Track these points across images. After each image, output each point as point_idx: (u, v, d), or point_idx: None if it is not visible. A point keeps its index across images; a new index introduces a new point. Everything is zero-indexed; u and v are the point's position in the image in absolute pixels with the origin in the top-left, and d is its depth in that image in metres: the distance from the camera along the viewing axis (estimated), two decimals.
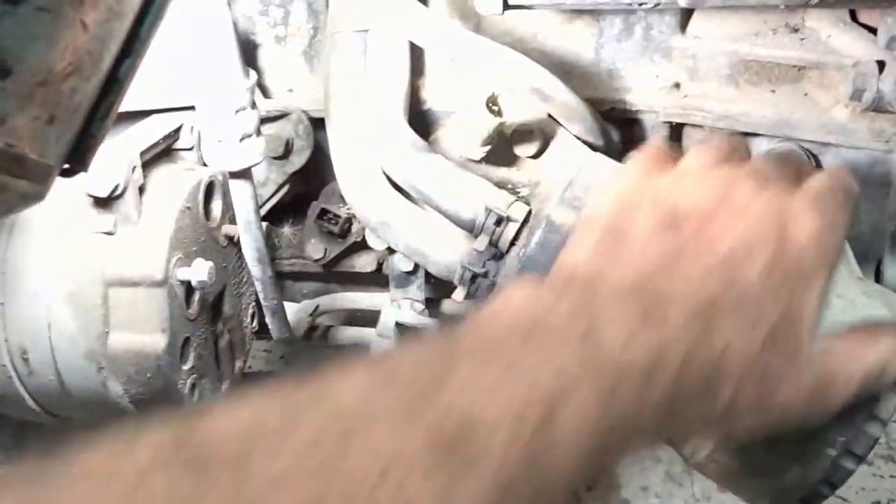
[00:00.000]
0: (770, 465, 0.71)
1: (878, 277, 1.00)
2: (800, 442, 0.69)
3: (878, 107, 0.87)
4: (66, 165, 0.53)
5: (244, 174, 0.90)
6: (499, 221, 0.84)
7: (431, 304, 1.12)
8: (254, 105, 0.87)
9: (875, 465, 2.16)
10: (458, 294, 0.90)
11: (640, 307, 0.51)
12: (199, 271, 0.90)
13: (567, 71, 1.01)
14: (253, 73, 0.88)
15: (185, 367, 0.95)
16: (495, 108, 0.88)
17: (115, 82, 0.53)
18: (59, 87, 0.47)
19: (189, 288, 0.94)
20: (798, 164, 0.68)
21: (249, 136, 0.86)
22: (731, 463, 0.73)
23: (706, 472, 0.77)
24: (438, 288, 1.10)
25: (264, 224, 0.97)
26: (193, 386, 0.96)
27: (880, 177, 0.93)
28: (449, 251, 0.91)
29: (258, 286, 1.00)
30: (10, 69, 0.42)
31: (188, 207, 0.93)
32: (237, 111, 0.85)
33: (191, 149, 1.01)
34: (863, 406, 0.68)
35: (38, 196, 0.51)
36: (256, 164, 0.89)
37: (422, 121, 1.01)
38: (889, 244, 0.98)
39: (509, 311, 0.51)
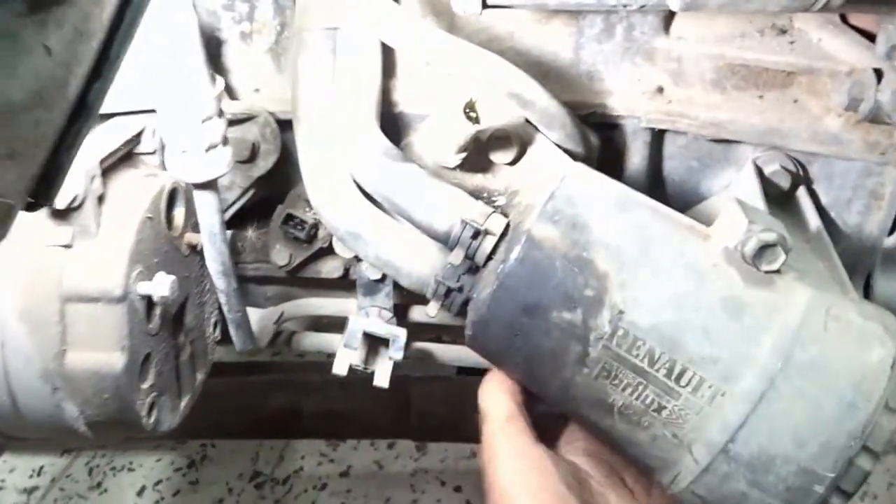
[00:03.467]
0: (752, 502, 0.67)
1: (867, 292, 0.97)
2: (783, 476, 0.66)
3: (874, 118, 0.84)
4: (31, 200, 0.49)
5: (209, 185, 0.85)
6: (475, 235, 0.80)
7: (399, 311, 1.08)
8: (221, 113, 0.82)
9: None
10: (432, 308, 0.86)
11: None
12: (161, 286, 0.86)
13: (544, 72, 0.97)
14: (220, 79, 0.83)
15: (144, 386, 0.90)
16: (473, 114, 0.84)
17: (83, 108, 0.48)
18: (19, 119, 0.43)
19: (150, 302, 0.89)
20: None
21: (216, 146, 0.81)
22: (711, 497, 0.70)
23: (687, 502, 0.74)
24: (406, 294, 1.06)
25: (229, 232, 0.92)
26: (152, 405, 0.92)
27: (872, 189, 0.91)
28: (422, 264, 0.86)
29: (222, 298, 0.95)
30: None
31: (149, 217, 0.88)
32: (203, 120, 0.80)
33: (153, 153, 0.96)
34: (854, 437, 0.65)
35: (2, 234, 0.47)
36: (223, 175, 0.84)
37: (394, 124, 0.97)
38: (880, 258, 0.95)
39: None
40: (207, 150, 0.81)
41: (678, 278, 0.71)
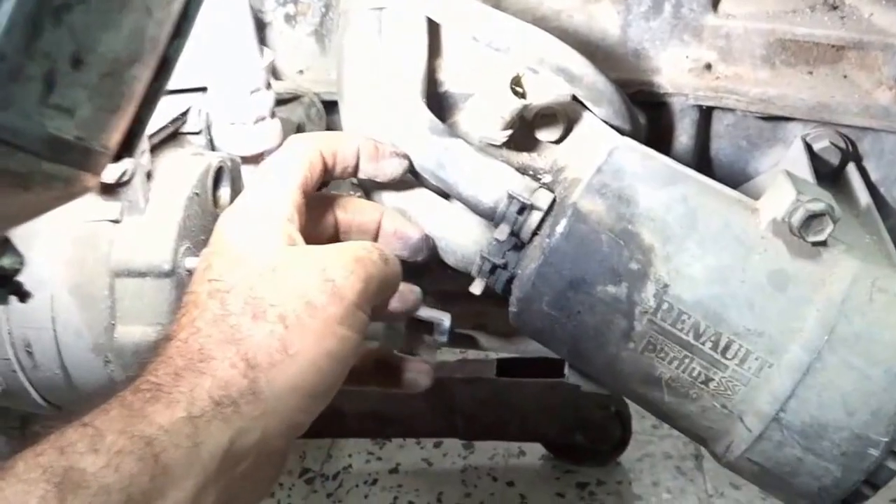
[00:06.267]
0: (808, 466, 0.67)
1: None
2: (837, 442, 0.65)
3: None
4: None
5: (257, 159, 0.85)
6: (521, 209, 0.80)
7: (447, 297, 1.08)
8: (269, 86, 0.82)
9: None
10: (476, 286, 0.86)
11: None
12: None
13: (592, 51, 0.96)
14: (268, 51, 0.83)
15: None
16: (520, 89, 0.84)
17: (164, 64, 0.51)
18: (123, 75, 0.45)
19: None
20: None
21: (264, 118, 0.82)
22: (767, 464, 0.70)
23: (741, 471, 0.74)
24: (453, 280, 1.06)
25: None
26: None
27: None
28: (467, 241, 0.86)
29: None
30: (82, 60, 0.41)
31: (196, 194, 0.89)
32: (252, 92, 0.81)
33: (198, 133, 0.97)
34: None
35: (95, 186, 0.50)
36: (272, 148, 0.84)
37: (439, 104, 0.97)
38: None
39: None
40: (256, 122, 0.81)
41: (724, 251, 0.71)
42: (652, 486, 2.10)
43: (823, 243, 0.70)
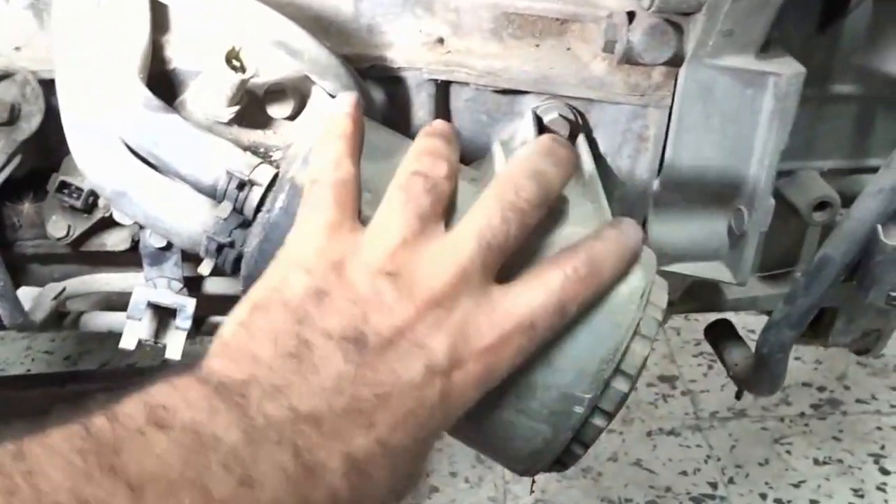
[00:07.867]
0: (520, 428, 0.68)
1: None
2: (546, 402, 0.66)
3: (629, 59, 0.85)
4: None
5: None
6: (241, 186, 0.77)
7: (194, 283, 1.04)
8: None
9: (682, 435, 2.23)
10: (205, 267, 0.83)
11: None
12: None
13: (326, 27, 0.94)
14: None
15: None
16: (237, 63, 0.81)
17: None
18: None
19: None
20: None
21: None
22: (481, 428, 0.70)
23: (460, 437, 0.74)
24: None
25: None
26: None
27: (639, 132, 0.92)
28: (193, 221, 0.83)
29: None
30: None
31: None
32: None
33: None
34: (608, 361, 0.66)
35: None
36: None
37: (168, 82, 0.92)
38: (652, 202, 0.97)
39: None
40: None
41: None
42: (450, 476, 2.13)
43: None
